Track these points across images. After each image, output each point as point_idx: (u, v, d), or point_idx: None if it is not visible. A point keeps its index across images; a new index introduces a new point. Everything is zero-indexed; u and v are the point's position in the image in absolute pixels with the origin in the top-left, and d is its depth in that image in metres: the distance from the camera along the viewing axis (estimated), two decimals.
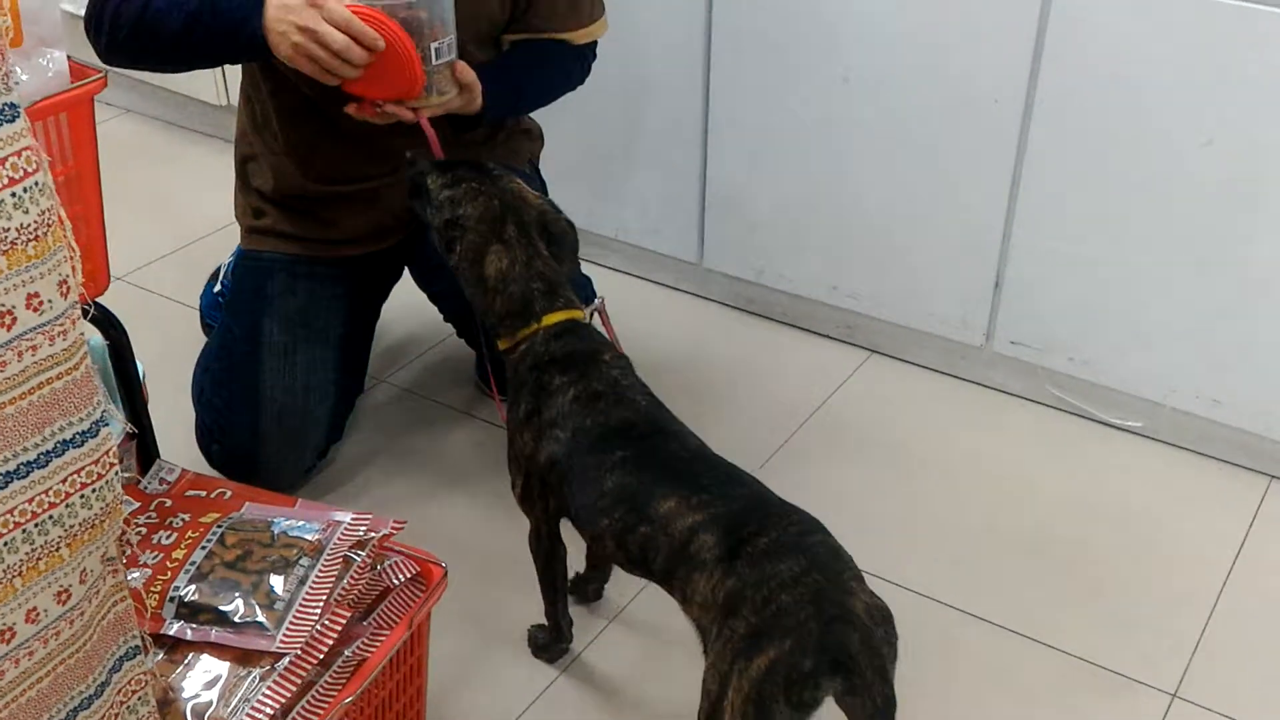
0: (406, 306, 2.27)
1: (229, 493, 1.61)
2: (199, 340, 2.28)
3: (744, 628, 1.31)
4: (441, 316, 2.20)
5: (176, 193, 2.91)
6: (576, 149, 2.25)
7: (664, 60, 2.37)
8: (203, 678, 1.38)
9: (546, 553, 1.69)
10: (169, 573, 1.44)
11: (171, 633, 1.40)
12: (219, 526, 1.51)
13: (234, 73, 2.07)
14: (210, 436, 1.96)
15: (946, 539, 1.99)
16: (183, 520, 1.53)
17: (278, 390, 1.93)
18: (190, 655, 1.40)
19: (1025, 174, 2.14)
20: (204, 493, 1.60)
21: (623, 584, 1.87)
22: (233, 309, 2.01)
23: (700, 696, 1.36)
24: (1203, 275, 2.07)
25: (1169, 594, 1.92)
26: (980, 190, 2.20)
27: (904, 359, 2.41)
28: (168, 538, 1.50)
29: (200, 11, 1.70)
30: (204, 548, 1.48)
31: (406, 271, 2.16)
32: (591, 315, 1.73)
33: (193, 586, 1.43)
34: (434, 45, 1.67)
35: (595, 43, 2.03)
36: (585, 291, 2.04)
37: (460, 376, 2.34)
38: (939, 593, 1.89)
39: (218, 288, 2.36)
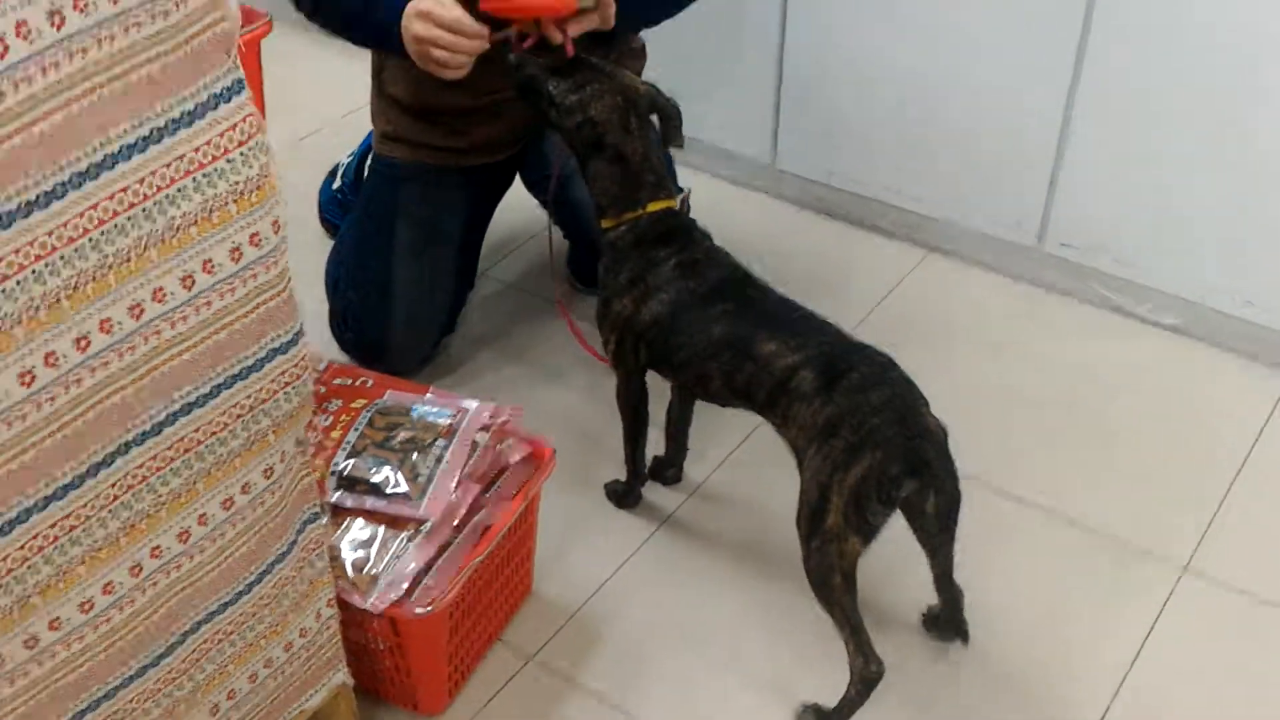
0: (504, 203, 2.48)
1: (370, 381, 1.86)
2: (317, 233, 2.51)
3: (842, 444, 1.60)
4: (546, 215, 2.40)
5: (291, 89, 3.10)
6: (659, 52, 2.43)
7: None
8: (359, 538, 1.64)
9: (635, 402, 1.95)
10: (329, 450, 1.70)
11: (333, 500, 1.67)
12: (367, 411, 1.77)
13: None
14: (344, 323, 2.21)
15: (986, 425, 2.19)
16: (336, 405, 1.78)
17: (408, 285, 2.15)
18: (348, 520, 1.66)
19: (1082, 81, 2.30)
20: (349, 380, 1.85)
21: (699, 465, 2.12)
22: (367, 210, 2.23)
23: (798, 504, 1.65)
24: (1245, 188, 2.23)
25: (1188, 476, 2.13)
26: (1039, 97, 2.36)
27: (961, 256, 2.60)
28: (324, 420, 1.75)
29: (362, 10, 1.92)
30: (356, 429, 1.74)
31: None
32: (682, 204, 1.94)
33: (350, 462, 1.69)
34: None
35: None
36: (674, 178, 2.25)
37: (550, 269, 2.56)
38: (983, 470, 2.07)
39: (336, 184, 2.59)
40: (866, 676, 1.67)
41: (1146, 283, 2.42)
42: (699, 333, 1.77)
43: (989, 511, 2.03)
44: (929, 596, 1.83)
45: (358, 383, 1.85)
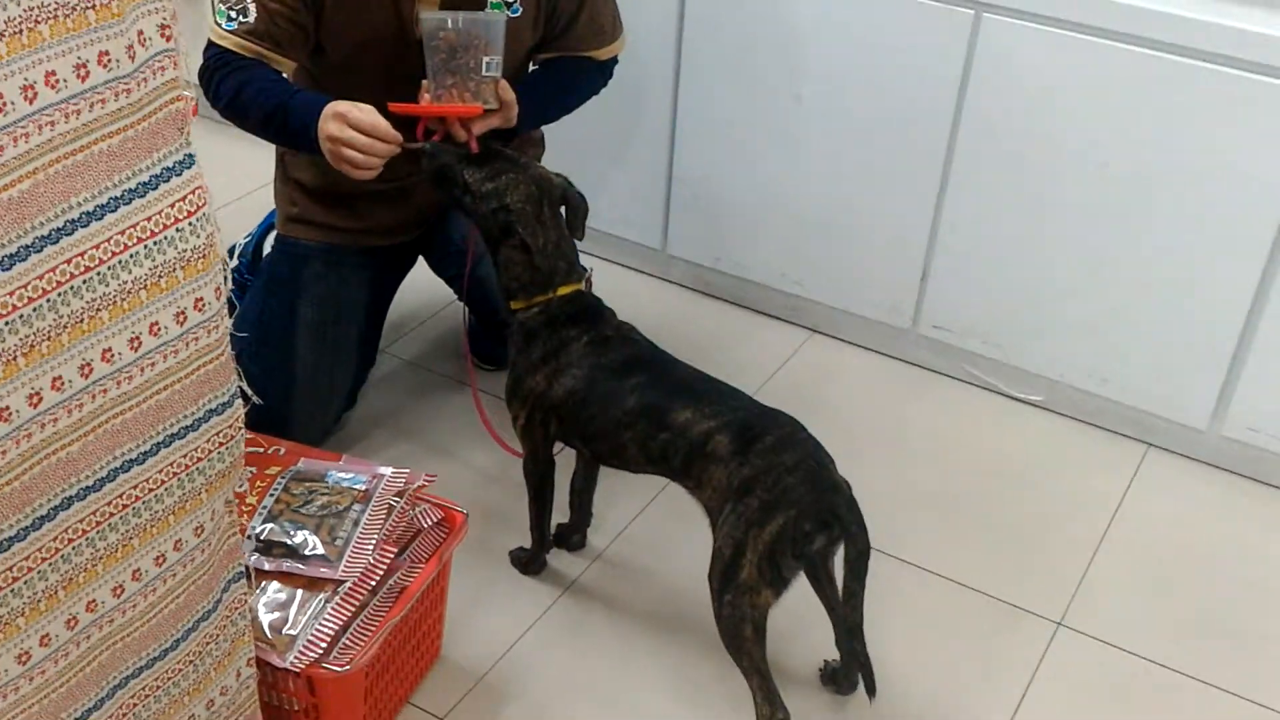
0: (404, 282, 2.55)
1: (283, 449, 1.91)
2: None
3: (757, 502, 1.70)
4: (447, 295, 2.49)
5: None
6: (556, 145, 2.56)
7: (638, 70, 2.67)
8: (276, 599, 1.69)
9: (541, 473, 2.03)
10: (245, 515, 1.75)
11: (250, 563, 1.71)
12: (282, 478, 1.82)
13: None
14: (245, 398, 2.25)
15: (873, 493, 2.30)
16: (250, 472, 1.83)
17: (310, 361, 2.21)
18: (265, 582, 1.71)
19: (950, 183, 2.49)
20: (262, 449, 1.90)
21: (602, 531, 2.20)
22: (269, 287, 2.28)
23: (712, 560, 1.75)
24: (1097, 274, 2.42)
25: (1059, 541, 2.28)
26: (912, 195, 2.54)
27: (841, 338, 2.76)
28: (240, 486, 1.79)
29: (275, 112, 2.00)
30: (272, 494, 1.79)
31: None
32: (586, 285, 2.05)
33: (266, 526, 1.74)
34: (485, 60, 1.97)
35: (616, 57, 2.32)
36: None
37: (451, 348, 2.64)
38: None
39: (234, 263, 2.63)
40: None
41: (1014, 363, 2.59)
42: (613, 405, 1.87)
43: (876, 575, 2.12)
44: (826, 654, 1.94)
45: (270, 450, 1.90)
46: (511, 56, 2.17)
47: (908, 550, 2.23)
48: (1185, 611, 2.15)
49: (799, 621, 1.90)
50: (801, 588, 1.81)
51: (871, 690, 1.86)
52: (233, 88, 2.00)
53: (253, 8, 2.02)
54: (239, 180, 2.94)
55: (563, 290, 1.95)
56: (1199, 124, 2.22)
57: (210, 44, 2.04)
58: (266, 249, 2.48)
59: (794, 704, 1.80)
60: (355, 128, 1.92)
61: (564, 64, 2.26)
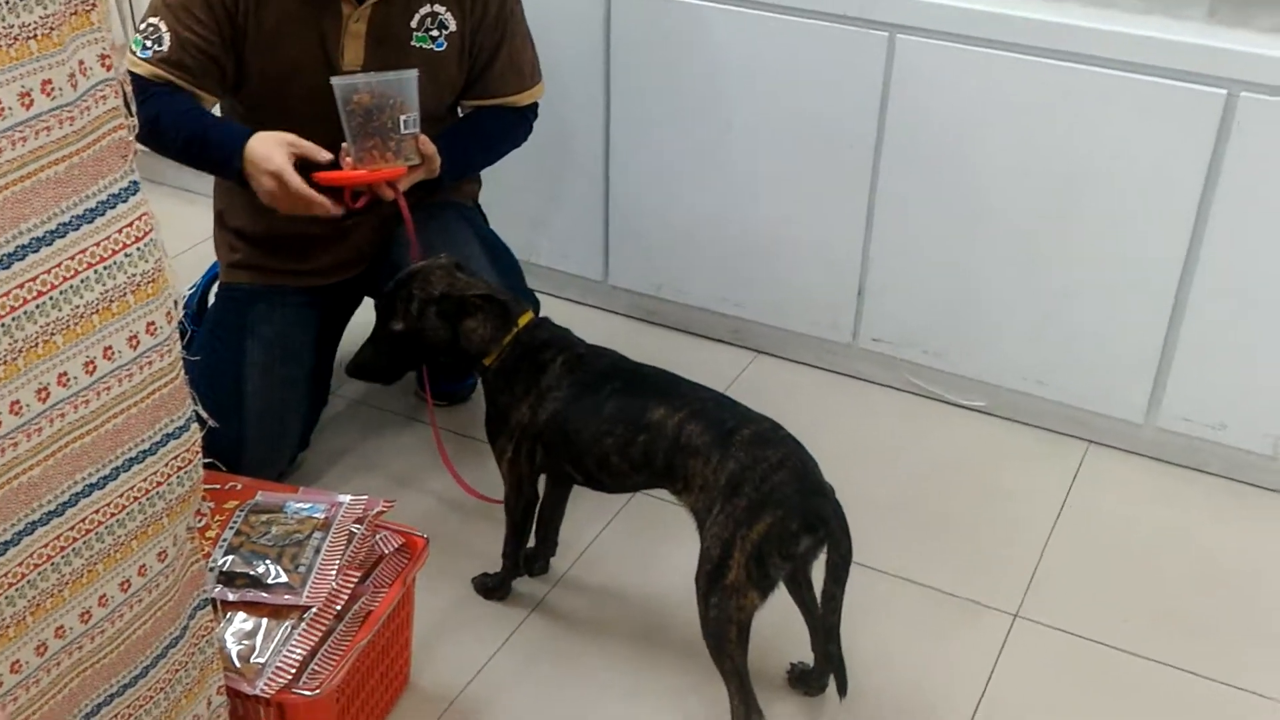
0: (351, 325, 2.59)
1: (239, 484, 1.93)
2: None
3: (745, 502, 1.73)
4: None
5: None
6: (495, 184, 2.61)
7: (569, 103, 2.74)
8: (243, 629, 1.70)
9: (527, 503, 2.06)
10: (205, 549, 1.76)
11: (214, 595, 1.72)
12: (240, 511, 1.84)
13: None
14: (201, 423, 2.26)
15: None
16: (209, 507, 1.84)
17: (259, 402, 2.22)
18: (230, 613, 1.72)
19: (878, 201, 2.56)
20: (218, 485, 1.91)
21: (562, 553, 2.23)
22: (215, 331, 2.29)
23: (699, 562, 1.78)
24: (1028, 281, 2.50)
25: (1009, 537, 2.33)
26: (842, 215, 2.61)
27: (785, 356, 2.81)
28: (198, 522, 1.81)
29: (193, 140, 2.06)
30: (232, 527, 1.80)
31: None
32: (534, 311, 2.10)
33: (228, 558, 1.75)
34: (402, 118, 2.02)
35: (536, 103, 2.39)
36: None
37: (401, 385, 2.66)
38: None
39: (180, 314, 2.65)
40: None
41: (954, 370, 2.66)
42: (592, 415, 1.90)
43: None
44: (793, 656, 1.98)
45: (226, 486, 1.91)
46: (439, 94, 2.23)
47: (866, 554, 2.24)
48: (1136, 597, 2.20)
49: (767, 625, 1.93)
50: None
51: (843, 689, 1.88)
52: (149, 115, 2.00)
53: (167, 37, 2.06)
54: (179, 236, 2.94)
55: (522, 321, 2.00)
56: (1111, 130, 2.31)
57: (128, 72, 2.07)
58: (210, 301, 2.50)
59: (767, 706, 1.83)
60: (290, 193, 2.01)
61: (485, 113, 2.33)
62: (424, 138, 2.07)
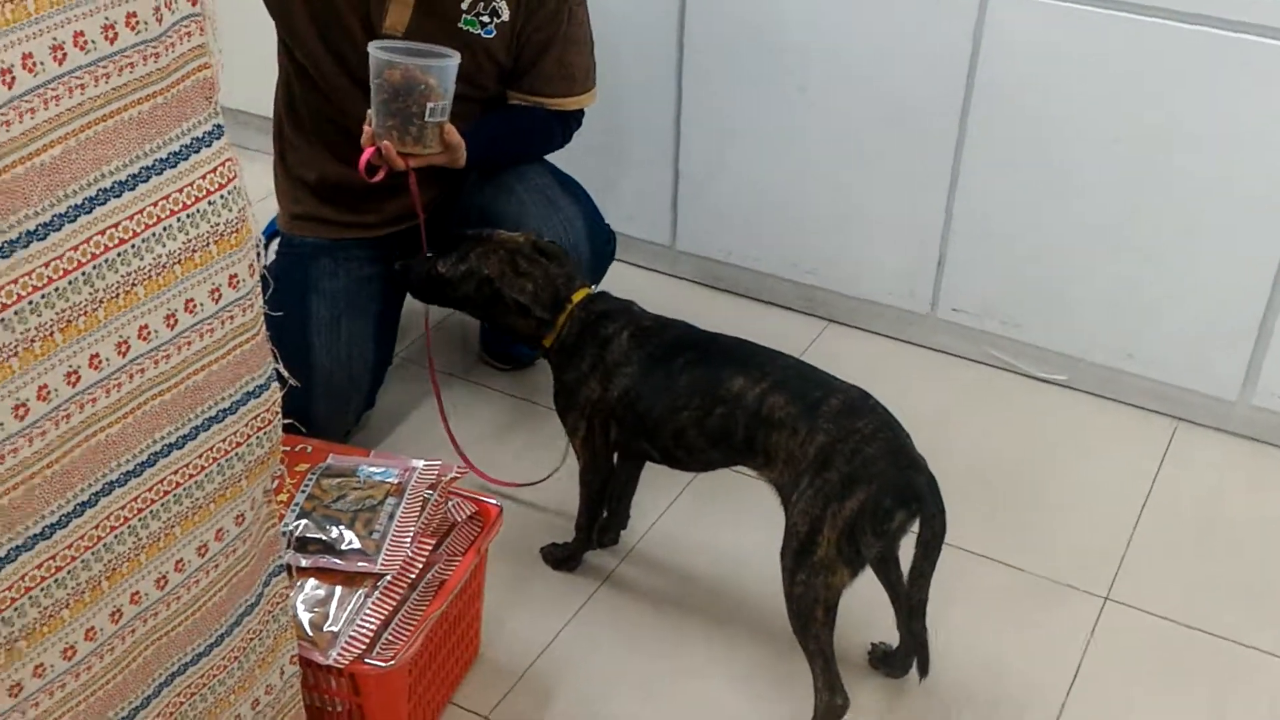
0: None
1: (310, 447, 1.87)
2: None
3: (837, 476, 1.64)
4: None
5: None
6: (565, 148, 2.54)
7: (641, 70, 2.66)
8: (315, 596, 1.64)
9: (604, 478, 1.98)
10: (280, 512, 1.70)
11: (285, 560, 1.66)
12: (312, 474, 1.78)
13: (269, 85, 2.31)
14: (281, 381, 2.20)
15: None
16: (280, 470, 1.78)
17: (326, 359, 2.16)
18: (302, 579, 1.66)
19: (963, 165, 2.46)
20: (289, 447, 1.85)
21: (633, 525, 2.16)
22: (279, 286, 2.21)
23: (785, 538, 1.70)
24: (1116, 249, 2.40)
25: (1097, 517, 2.24)
26: (924, 179, 2.51)
27: (859, 326, 2.72)
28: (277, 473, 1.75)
29: None
30: (304, 490, 1.74)
31: None
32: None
33: (300, 523, 1.69)
34: (430, 105, 1.93)
35: (582, 111, 2.30)
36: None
37: (467, 346, 2.61)
38: None
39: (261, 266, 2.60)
40: (833, 709, 1.72)
41: (1035, 342, 2.56)
42: (666, 388, 1.82)
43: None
44: (874, 636, 1.90)
45: (297, 449, 1.85)
46: (481, 79, 2.16)
47: (950, 533, 2.17)
48: (1228, 580, 2.11)
49: (849, 602, 1.86)
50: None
51: (925, 670, 1.81)
52: None
53: None
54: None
55: (576, 297, 1.93)
56: (1212, 90, 2.20)
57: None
58: (269, 258, 2.44)
59: (850, 687, 1.76)
60: None
61: (523, 113, 2.25)
62: (450, 127, 1.99)
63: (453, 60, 1.94)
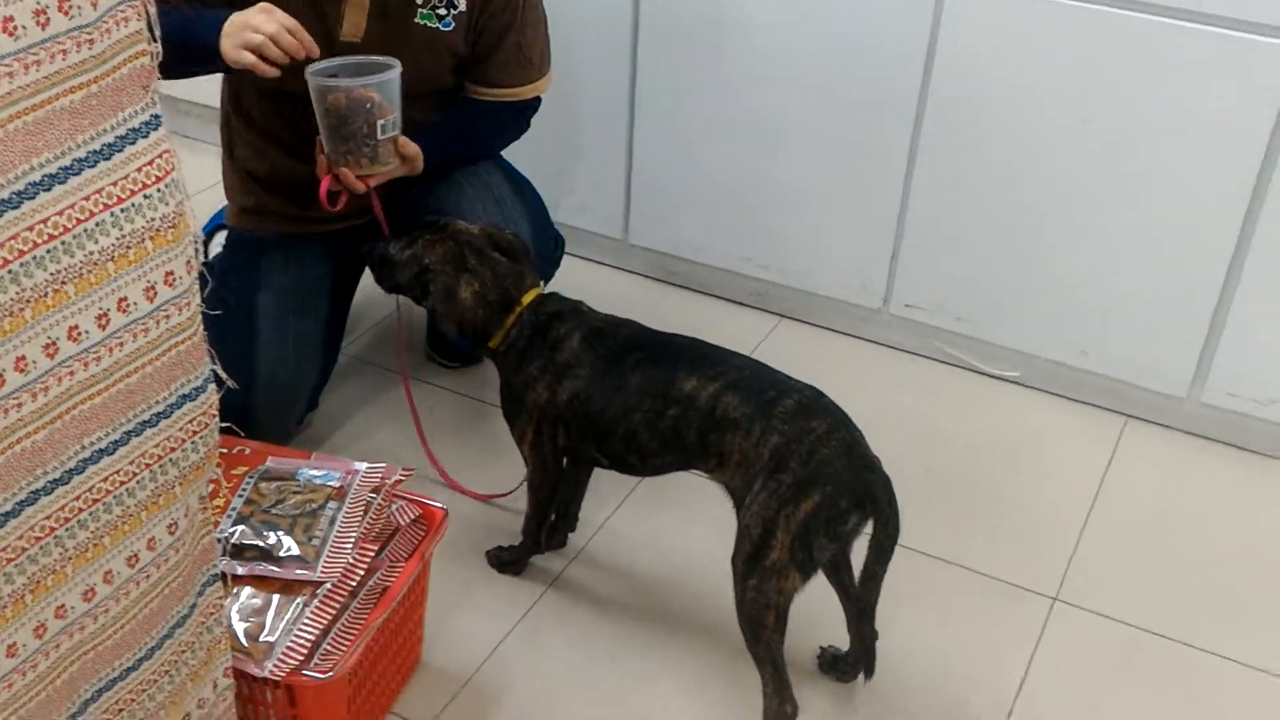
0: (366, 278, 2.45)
1: (248, 449, 1.80)
2: None
3: (791, 478, 1.60)
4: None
5: None
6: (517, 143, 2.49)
7: (595, 58, 2.60)
8: (251, 605, 1.58)
9: (553, 484, 1.93)
10: (215, 518, 1.64)
11: (220, 569, 1.60)
12: (250, 477, 1.71)
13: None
14: (218, 383, 2.13)
15: None
16: (217, 474, 1.72)
17: (271, 356, 2.09)
18: (238, 588, 1.60)
19: (919, 159, 2.43)
20: (226, 449, 1.78)
21: (579, 528, 2.12)
22: (225, 282, 2.16)
23: (737, 542, 1.66)
24: (1070, 246, 2.38)
25: (1047, 516, 2.23)
26: (879, 172, 2.48)
27: (811, 322, 2.69)
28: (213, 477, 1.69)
29: (174, 30, 1.87)
30: (241, 495, 1.68)
31: None
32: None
33: (237, 529, 1.63)
34: (380, 122, 1.88)
35: (539, 97, 2.24)
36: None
37: (412, 347, 2.54)
38: None
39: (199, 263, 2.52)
40: (782, 716, 1.68)
41: (988, 339, 2.54)
42: (617, 390, 1.78)
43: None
44: (822, 639, 1.87)
45: (234, 451, 1.79)
46: (440, 73, 2.10)
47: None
48: (1178, 581, 2.11)
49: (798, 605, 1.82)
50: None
51: (870, 671, 1.79)
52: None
53: None
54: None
55: (527, 298, 1.87)
56: (1169, 84, 2.19)
57: None
58: (213, 251, 2.37)
59: (798, 693, 1.73)
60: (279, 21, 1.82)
61: (480, 109, 2.19)
62: (404, 139, 1.95)
63: (394, 71, 1.88)
